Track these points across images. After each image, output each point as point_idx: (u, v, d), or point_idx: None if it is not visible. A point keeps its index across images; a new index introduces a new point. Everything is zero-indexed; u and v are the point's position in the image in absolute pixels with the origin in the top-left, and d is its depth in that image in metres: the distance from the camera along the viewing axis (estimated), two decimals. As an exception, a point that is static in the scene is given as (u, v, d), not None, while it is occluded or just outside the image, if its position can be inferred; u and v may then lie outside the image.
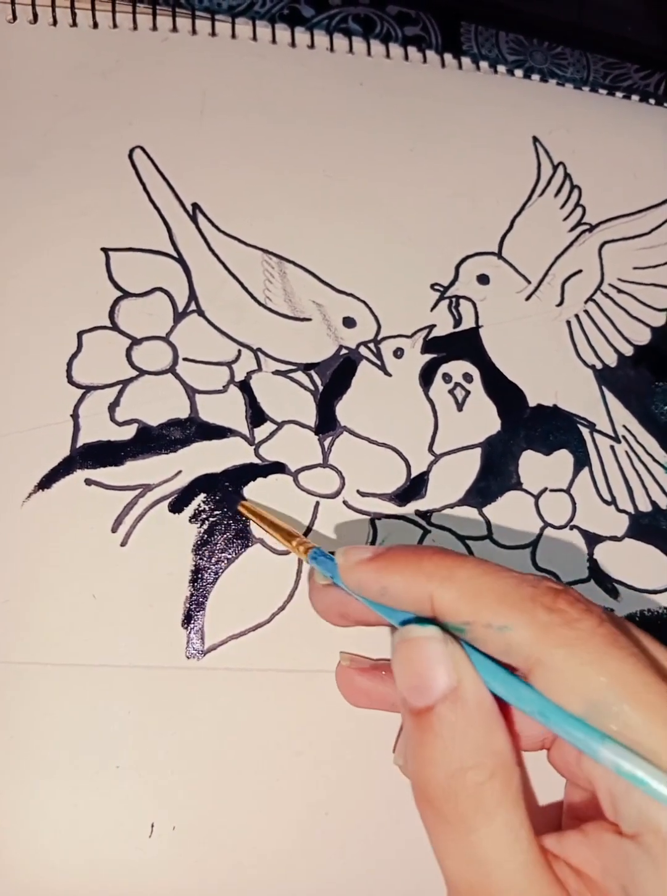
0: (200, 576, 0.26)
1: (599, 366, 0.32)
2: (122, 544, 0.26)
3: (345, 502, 0.28)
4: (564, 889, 0.18)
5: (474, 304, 0.31)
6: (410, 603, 0.20)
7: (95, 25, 0.33)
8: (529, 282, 0.32)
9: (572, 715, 0.18)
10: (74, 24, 0.33)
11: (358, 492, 0.28)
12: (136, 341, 0.28)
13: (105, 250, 0.28)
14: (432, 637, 0.19)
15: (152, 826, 0.24)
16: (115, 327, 0.28)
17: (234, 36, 0.33)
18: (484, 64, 0.36)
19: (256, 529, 0.27)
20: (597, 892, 0.19)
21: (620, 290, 0.33)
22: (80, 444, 0.26)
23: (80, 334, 0.27)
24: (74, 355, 0.27)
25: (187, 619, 0.26)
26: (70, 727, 0.24)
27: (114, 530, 0.26)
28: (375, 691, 0.24)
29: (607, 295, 0.33)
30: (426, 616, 0.20)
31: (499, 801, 0.18)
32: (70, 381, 0.27)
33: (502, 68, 0.36)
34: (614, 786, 0.18)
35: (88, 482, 0.26)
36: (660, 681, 0.18)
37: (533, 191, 0.33)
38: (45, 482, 0.26)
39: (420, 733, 0.19)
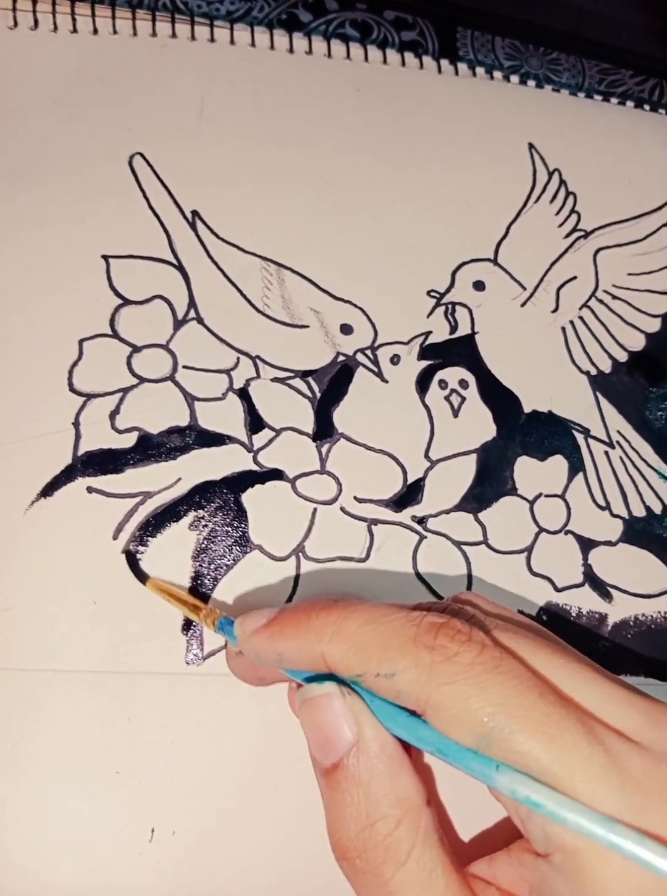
0: (199, 582, 0.26)
1: (593, 372, 0.32)
2: (123, 551, 0.26)
3: (342, 508, 0.28)
4: None
5: (470, 311, 0.31)
6: (306, 664, 0.21)
7: (95, 31, 0.33)
8: (524, 288, 0.32)
9: (464, 748, 0.18)
10: (75, 30, 0.33)
11: (355, 498, 0.28)
12: (136, 349, 0.28)
13: (105, 257, 0.29)
14: (331, 693, 0.20)
15: (153, 831, 0.24)
16: (115, 335, 0.28)
17: (232, 42, 0.34)
18: (480, 70, 0.36)
19: (255, 533, 0.27)
20: None
21: (614, 297, 0.34)
22: (81, 451, 0.26)
23: (81, 342, 0.27)
24: (75, 363, 0.27)
25: (187, 625, 0.26)
26: (71, 733, 0.24)
27: (115, 537, 0.26)
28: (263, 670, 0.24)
29: (601, 301, 0.33)
30: (324, 672, 0.21)
31: (409, 847, 0.19)
32: (71, 388, 0.27)
33: (498, 74, 0.36)
34: (518, 809, 0.18)
35: (90, 490, 0.26)
36: (542, 698, 0.18)
37: (528, 197, 0.34)
38: (47, 490, 0.26)
39: (330, 792, 0.20)
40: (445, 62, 0.36)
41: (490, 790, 0.21)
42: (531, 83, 0.37)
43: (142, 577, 0.26)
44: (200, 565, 0.27)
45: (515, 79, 0.37)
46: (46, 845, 0.24)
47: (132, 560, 0.26)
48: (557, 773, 0.17)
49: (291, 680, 0.23)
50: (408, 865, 0.19)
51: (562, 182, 0.34)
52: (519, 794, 0.17)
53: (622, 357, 0.33)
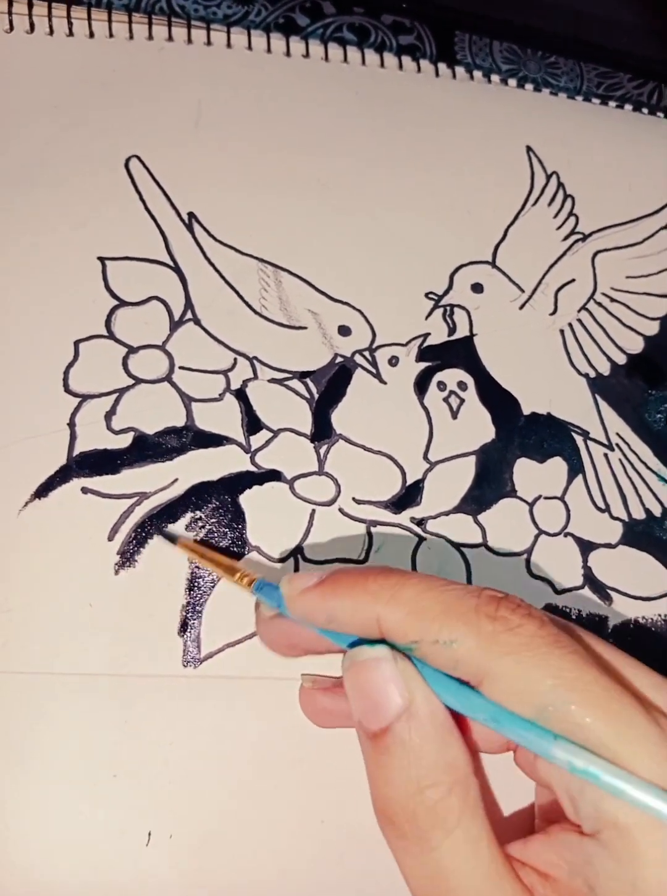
0: (196, 584, 0.26)
1: (592, 374, 0.32)
2: (119, 553, 0.26)
3: (341, 510, 0.28)
4: (530, 894, 0.19)
5: (469, 313, 0.31)
6: (358, 627, 0.20)
7: (92, 35, 0.33)
8: (522, 291, 0.32)
9: (522, 718, 0.18)
10: (71, 33, 0.33)
11: (354, 499, 0.28)
12: (132, 350, 0.28)
13: (102, 259, 0.29)
14: (382, 657, 0.20)
15: (149, 834, 0.24)
16: (111, 336, 0.28)
17: (229, 45, 0.34)
18: (478, 73, 0.36)
19: (253, 534, 0.27)
20: (566, 894, 0.19)
21: (613, 299, 0.33)
22: (76, 452, 0.26)
23: (76, 343, 0.27)
24: (71, 364, 0.27)
25: (184, 627, 0.26)
26: (68, 736, 0.24)
27: (110, 539, 0.26)
28: (338, 710, 0.24)
29: (600, 304, 0.33)
30: (375, 638, 0.20)
31: (458, 815, 0.19)
32: (67, 389, 0.27)
33: (495, 78, 0.36)
34: (570, 785, 0.18)
35: (85, 491, 0.26)
36: (602, 675, 0.18)
37: (527, 200, 0.34)
38: (42, 491, 0.26)
39: (377, 755, 0.19)
40: (442, 65, 0.36)
41: (519, 763, 0.22)
42: (529, 87, 0.37)
43: (171, 537, 0.26)
44: (197, 567, 0.26)
45: (513, 82, 0.37)
46: (45, 847, 0.23)
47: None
48: (615, 749, 0.17)
49: (325, 648, 0.22)
50: (456, 833, 0.18)
51: (560, 185, 0.34)
52: (577, 765, 0.17)
53: (621, 360, 0.33)
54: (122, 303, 0.28)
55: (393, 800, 0.19)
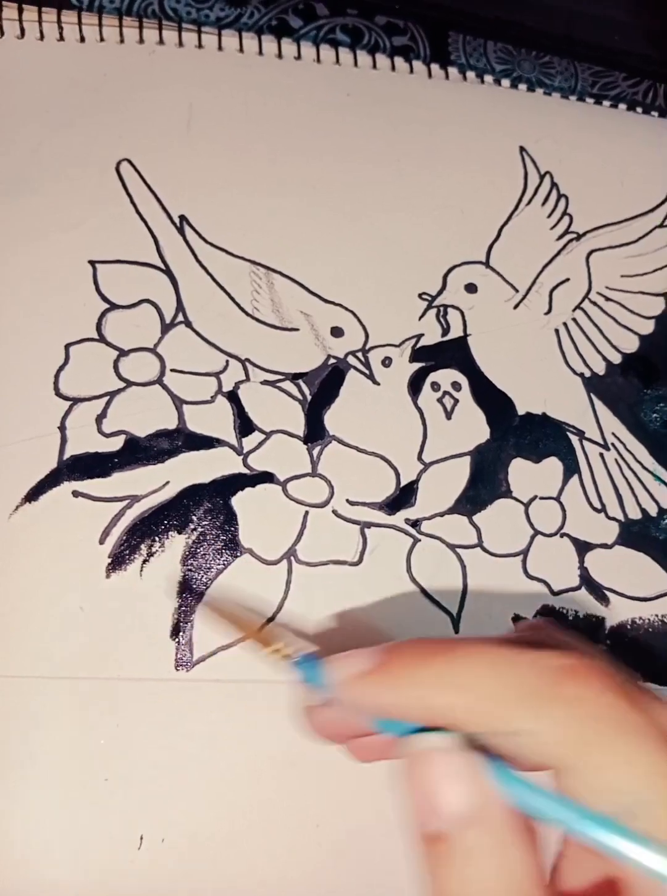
0: (188, 587, 0.26)
1: (587, 374, 0.32)
2: (110, 556, 0.26)
3: (334, 511, 0.28)
4: None
5: (462, 313, 0.31)
6: (418, 717, 0.18)
7: (83, 39, 0.33)
8: (516, 290, 0.32)
9: (603, 818, 0.16)
10: (62, 38, 0.33)
11: (347, 501, 0.28)
12: (123, 353, 0.28)
13: (92, 263, 0.28)
14: (445, 749, 0.18)
15: (141, 838, 0.24)
16: (102, 339, 0.28)
17: (220, 48, 0.34)
18: (471, 74, 0.36)
19: (246, 537, 0.27)
20: None
21: (608, 299, 0.33)
22: (67, 455, 0.26)
23: (67, 346, 0.27)
24: (62, 367, 0.27)
25: (176, 630, 0.25)
26: (58, 740, 0.24)
27: (101, 542, 0.26)
28: (344, 721, 0.22)
29: (594, 303, 0.33)
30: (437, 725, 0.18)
31: None
32: (57, 393, 0.27)
33: (489, 78, 0.36)
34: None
35: (76, 494, 0.26)
36: None
37: (520, 200, 0.33)
38: (33, 494, 0.26)
39: (434, 859, 0.17)
40: (435, 66, 0.36)
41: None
42: (523, 87, 0.37)
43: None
44: (190, 569, 0.26)
45: (506, 82, 0.36)
46: (36, 850, 0.23)
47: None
48: None
49: (385, 735, 0.19)
50: None
51: (554, 184, 0.34)
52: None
53: (616, 359, 0.33)
54: (113, 306, 0.28)
55: None
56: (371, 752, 0.22)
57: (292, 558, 0.27)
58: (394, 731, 0.19)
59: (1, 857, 0.23)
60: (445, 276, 0.31)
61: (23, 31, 0.33)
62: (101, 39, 0.33)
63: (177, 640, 0.25)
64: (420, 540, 0.28)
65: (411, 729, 0.18)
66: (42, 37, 0.33)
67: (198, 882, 0.24)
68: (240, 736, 0.25)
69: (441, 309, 0.31)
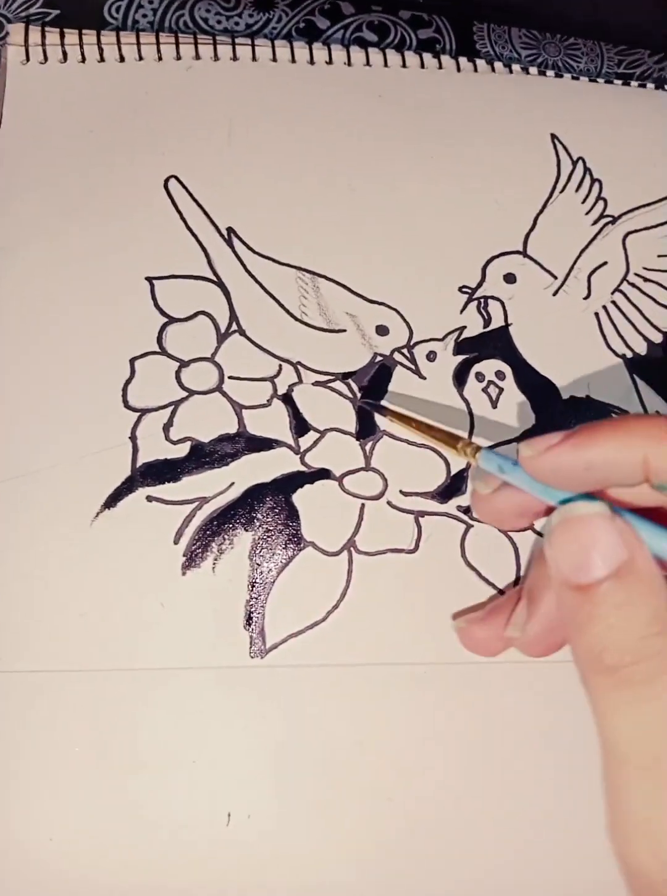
0: (257, 580, 0.28)
1: (629, 355, 0.33)
2: (185, 554, 0.28)
3: (389, 502, 0.29)
4: None
5: (503, 304, 0.32)
6: (619, 472, 0.21)
7: (122, 59, 0.34)
8: (555, 277, 0.33)
9: None
10: (102, 59, 0.34)
11: (401, 492, 0.29)
12: (183, 363, 0.29)
13: (149, 280, 0.30)
14: (602, 514, 0.20)
15: (229, 815, 0.26)
16: (163, 352, 0.29)
17: (254, 58, 0.35)
18: (499, 64, 0.36)
19: (308, 530, 0.28)
20: None
21: (646, 279, 0.34)
22: (139, 463, 0.28)
23: (132, 360, 0.29)
24: (128, 381, 0.29)
25: (249, 620, 0.27)
26: (150, 727, 0.26)
27: (176, 542, 0.28)
28: (500, 633, 0.25)
29: (633, 284, 0.34)
30: (633, 483, 0.21)
31: None
32: (126, 405, 0.29)
33: (516, 67, 0.37)
34: None
35: (150, 499, 0.28)
36: None
37: (554, 187, 0.34)
38: (111, 501, 0.28)
39: (592, 606, 0.19)
40: (463, 59, 0.36)
41: None
42: (550, 73, 0.37)
43: (379, 409, 0.29)
44: (257, 563, 0.28)
45: (533, 70, 0.37)
46: (134, 828, 0.25)
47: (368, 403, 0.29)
48: None
49: (543, 506, 0.23)
50: None
51: (587, 170, 0.35)
52: None
53: (657, 338, 0.33)
54: (172, 319, 0.30)
55: (613, 646, 0.19)
56: (491, 644, 0.26)
57: (352, 549, 0.29)
58: (551, 498, 0.22)
59: (101, 833, 0.25)
60: (484, 268, 0.32)
61: (65, 55, 0.34)
62: (140, 58, 0.34)
63: (250, 629, 0.27)
64: (473, 525, 0.29)
65: (568, 498, 0.21)
66: (83, 59, 0.34)
67: (282, 854, 0.26)
68: (313, 716, 0.27)
69: (482, 301, 0.32)
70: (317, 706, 0.27)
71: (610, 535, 0.20)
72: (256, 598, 0.28)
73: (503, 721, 0.28)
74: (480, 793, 0.27)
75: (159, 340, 0.30)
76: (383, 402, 0.30)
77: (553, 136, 0.35)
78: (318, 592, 0.28)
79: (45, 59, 0.34)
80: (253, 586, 0.28)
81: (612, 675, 0.19)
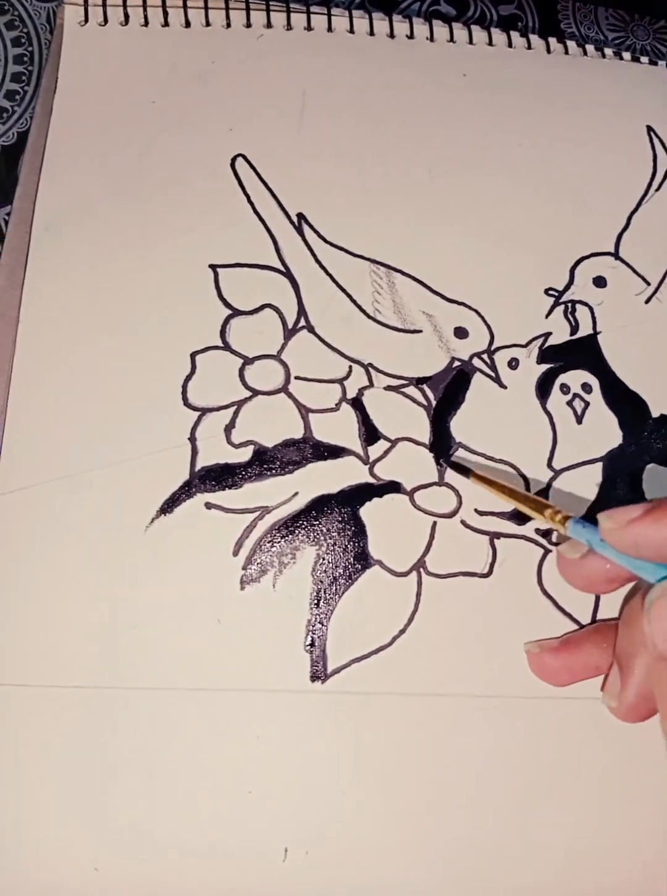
0: (320, 598, 0.26)
1: (725, 371, 0.30)
2: (244, 568, 0.26)
3: (462, 521, 0.27)
4: None
5: (591, 309, 0.30)
6: None
7: (188, 24, 0.32)
8: (648, 283, 0.30)
9: None
10: (166, 23, 0.32)
11: (476, 511, 0.27)
12: (248, 361, 0.27)
13: (213, 267, 0.28)
14: None
15: (286, 850, 0.24)
16: (226, 347, 0.27)
17: (330, 29, 0.32)
18: (590, 47, 0.34)
19: (375, 548, 0.26)
20: None
21: None
22: (198, 467, 0.26)
23: (193, 355, 0.27)
24: (189, 377, 0.27)
25: (310, 642, 0.25)
26: (201, 752, 0.24)
27: (235, 554, 0.26)
28: (575, 664, 0.25)
29: (731, 293, 0.31)
30: None
31: None
32: (186, 403, 0.27)
33: (608, 51, 0.34)
34: None
35: (209, 506, 0.26)
36: None
37: (650, 184, 0.31)
38: (167, 506, 0.26)
39: None
40: (553, 41, 0.33)
41: None
42: (644, 60, 0.34)
43: (463, 471, 0.27)
44: (320, 581, 0.26)
45: (627, 55, 0.34)
46: (180, 862, 0.24)
47: (447, 459, 0.27)
48: None
49: (639, 579, 0.23)
50: None
51: (685, 166, 0.32)
52: None
53: None
54: (236, 312, 0.28)
55: None
56: (562, 675, 0.25)
57: (421, 570, 0.27)
58: (646, 575, 0.22)
59: (147, 865, 0.24)
60: (572, 270, 0.30)
61: (127, 16, 0.32)
62: (207, 24, 0.32)
63: (311, 651, 0.25)
64: (551, 550, 0.27)
65: (662, 575, 0.21)
66: (146, 23, 0.32)
67: (342, 893, 0.24)
68: (375, 747, 0.25)
69: (569, 305, 0.29)
70: (380, 737, 0.25)
71: None
72: (319, 619, 0.26)
73: (574, 759, 0.26)
74: (549, 833, 0.25)
75: (222, 334, 0.27)
76: (463, 460, 0.27)
77: (649, 129, 0.32)
78: (384, 615, 0.26)
79: (105, 20, 0.32)
80: (315, 605, 0.26)
81: None
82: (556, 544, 0.27)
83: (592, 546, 0.23)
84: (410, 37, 0.32)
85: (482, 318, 0.29)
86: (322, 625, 0.26)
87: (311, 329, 0.28)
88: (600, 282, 0.30)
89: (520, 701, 0.26)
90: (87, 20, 0.31)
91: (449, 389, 0.28)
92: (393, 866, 0.24)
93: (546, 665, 0.26)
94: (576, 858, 0.25)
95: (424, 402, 0.28)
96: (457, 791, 0.25)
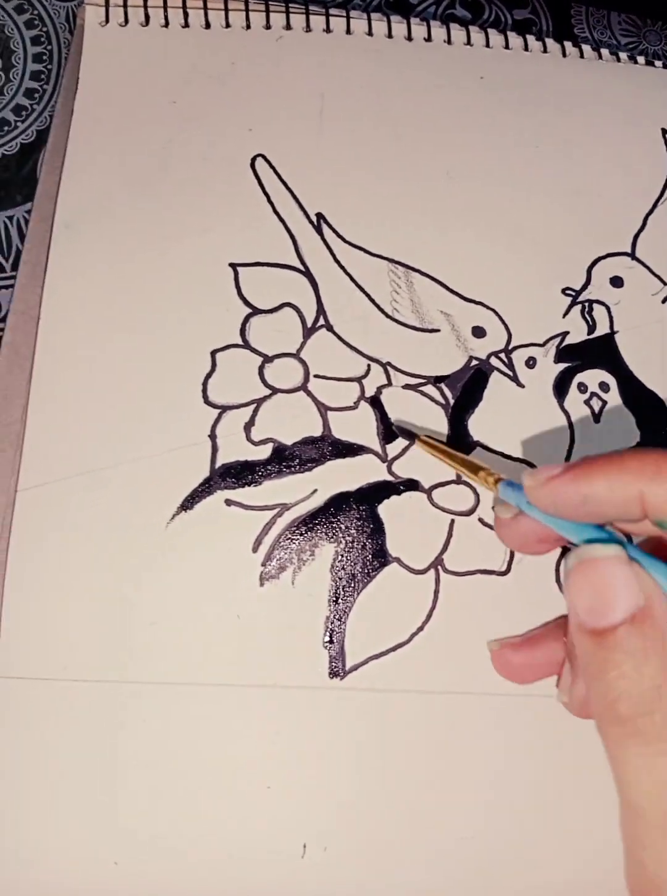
0: (339, 595, 0.26)
1: None
2: (263, 564, 0.26)
3: (480, 520, 0.27)
4: None
5: (608, 309, 0.30)
6: (615, 507, 0.20)
7: (207, 25, 0.32)
8: (664, 283, 0.30)
9: None
10: (186, 24, 0.32)
11: (494, 509, 0.27)
12: (267, 359, 0.27)
13: (233, 266, 0.28)
14: (618, 556, 0.19)
15: (305, 847, 0.24)
16: (246, 345, 0.27)
17: (349, 31, 0.32)
18: (605, 51, 0.34)
19: (393, 545, 0.27)
20: None
21: None
22: (218, 464, 0.26)
23: (213, 353, 0.27)
24: (209, 375, 0.27)
25: (330, 639, 0.25)
26: (220, 747, 0.24)
27: (254, 550, 0.26)
28: (536, 661, 0.25)
29: None
30: (632, 519, 0.20)
31: None
32: (206, 401, 0.27)
33: (623, 55, 0.34)
34: None
35: (228, 503, 0.26)
36: None
37: (665, 186, 0.32)
38: (188, 503, 0.26)
39: (607, 652, 0.19)
40: (568, 44, 0.34)
41: None
42: (658, 64, 0.34)
43: (409, 434, 0.27)
44: (339, 578, 0.26)
45: (641, 59, 0.34)
46: (200, 858, 0.24)
47: (393, 425, 0.27)
48: None
49: (566, 541, 0.23)
50: None
51: (700, 168, 0.32)
52: None
53: None
54: (256, 310, 0.28)
55: (627, 696, 0.18)
56: (524, 672, 0.25)
57: (439, 567, 0.27)
58: (570, 534, 0.21)
59: (163, 862, 0.24)
60: (589, 270, 0.30)
61: (147, 17, 0.32)
62: (227, 25, 0.32)
63: (330, 648, 0.25)
64: (569, 548, 0.27)
65: (588, 537, 0.20)
66: (166, 23, 0.32)
67: (360, 890, 0.24)
68: (393, 744, 0.25)
69: (586, 305, 0.30)
70: (398, 733, 0.25)
71: (627, 579, 0.19)
72: (337, 615, 0.26)
73: (593, 758, 0.26)
74: (568, 832, 0.25)
75: (242, 332, 0.27)
76: (408, 426, 0.27)
77: (664, 132, 0.33)
78: (402, 612, 0.26)
79: (126, 20, 0.32)
80: (334, 602, 0.26)
81: (625, 726, 0.18)
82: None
83: (520, 507, 0.23)
84: (428, 40, 0.33)
85: (500, 317, 0.29)
86: (340, 622, 0.26)
87: (330, 328, 0.28)
88: (616, 282, 0.30)
89: (538, 699, 0.26)
90: (107, 20, 0.31)
91: (467, 388, 0.28)
92: (411, 863, 0.24)
93: (508, 662, 0.25)
94: (596, 858, 0.25)
95: (443, 401, 0.28)
96: (475, 788, 0.25)
